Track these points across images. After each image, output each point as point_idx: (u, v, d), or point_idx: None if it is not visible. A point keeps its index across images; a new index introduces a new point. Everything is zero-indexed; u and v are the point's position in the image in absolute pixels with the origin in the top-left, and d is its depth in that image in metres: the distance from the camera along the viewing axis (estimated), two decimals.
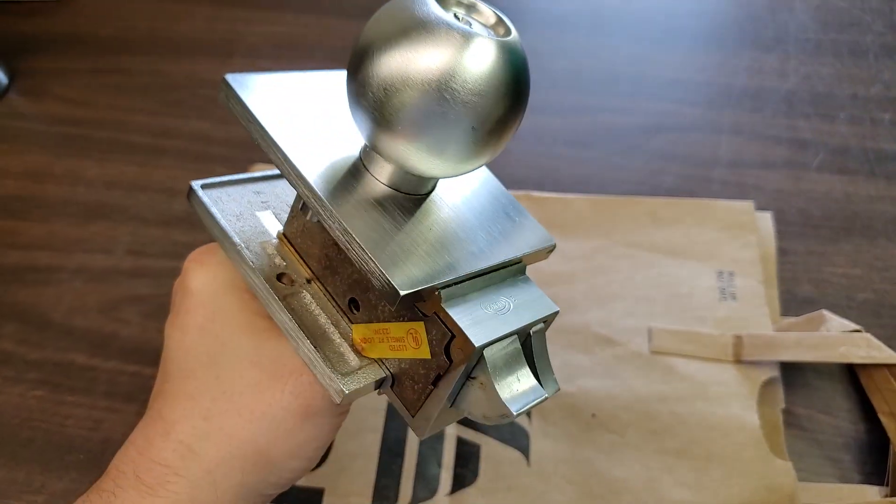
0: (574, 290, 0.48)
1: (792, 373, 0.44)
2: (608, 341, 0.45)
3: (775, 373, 0.43)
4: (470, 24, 0.24)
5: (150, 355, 0.47)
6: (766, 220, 0.50)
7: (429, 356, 0.25)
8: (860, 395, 0.44)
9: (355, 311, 0.28)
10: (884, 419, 0.42)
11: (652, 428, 0.42)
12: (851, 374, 0.45)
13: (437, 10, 0.23)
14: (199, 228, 0.53)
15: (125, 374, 0.47)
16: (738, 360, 0.44)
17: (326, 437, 0.26)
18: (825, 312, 0.45)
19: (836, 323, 0.44)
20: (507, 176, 0.56)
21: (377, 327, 0.26)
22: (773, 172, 0.54)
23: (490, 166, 0.55)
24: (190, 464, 0.23)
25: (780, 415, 0.43)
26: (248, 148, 0.56)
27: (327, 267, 0.28)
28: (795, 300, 0.48)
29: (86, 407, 0.46)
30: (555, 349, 0.45)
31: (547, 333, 0.28)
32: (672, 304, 0.47)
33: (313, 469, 0.39)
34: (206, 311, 0.26)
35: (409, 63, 0.22)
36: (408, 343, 0.25)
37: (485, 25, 0.25)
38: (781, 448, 0.41)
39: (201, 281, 0.27)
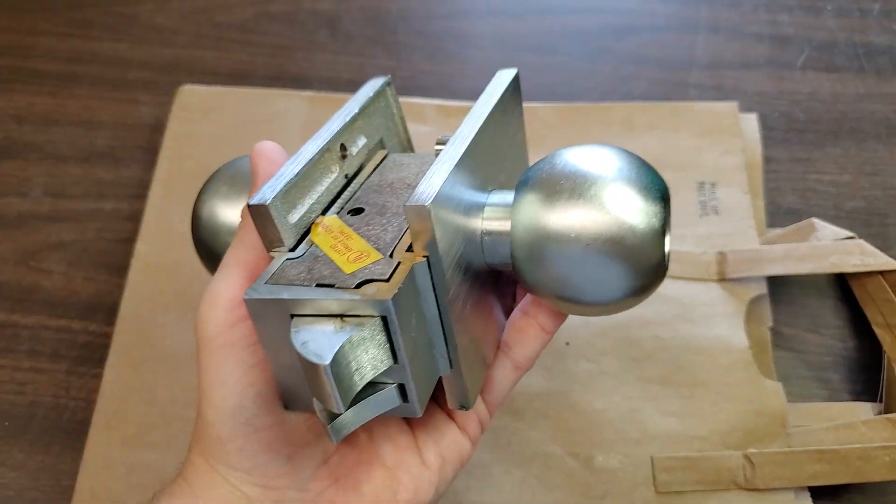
0: None
1: (777, 289, 0.41)
2: None
3: (763, 290, 0.40)
4: None
5: (76, 308, 0.43)
6: (750, 122, 0.46)
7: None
8: (849, 311, 0.41)
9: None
10: (878, 331, 0.39)
11: (632, 355, 0.39)
12: (840, 288, 0.42)
13: None
14: (125, 164, 0.47)
15: (50, 330, 0.42)
16: (723, 278, 0.40)
17: (231, 364, 0.24)
18: (815, 221, 0.41)
19: (827, 231, 0.41)
20: (467, 87, 0.51)
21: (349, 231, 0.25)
22: (754, 73, 0.49)
23: (450, 76, 0.50)
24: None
25: (767, 333, 0.40)
26: (171, 71, 0.50)
27: None
28: (780, 211, 0.44)
29: (8, 368, 0.41)
30: None
31: None
32: None
33: None
34: None
35: None
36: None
37: None
38: (770, 368, 0.39)
39: None
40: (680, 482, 0.36)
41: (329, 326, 0.22)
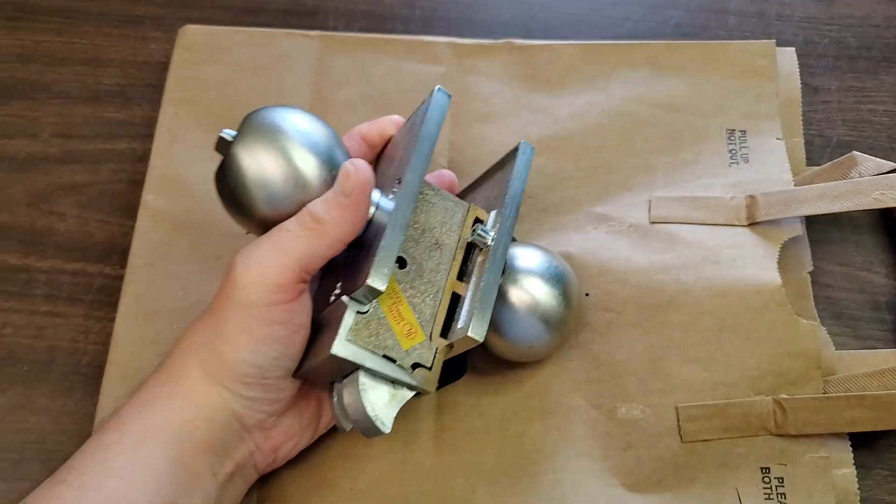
0: (565, 158, 0.41)
1: (816, 235, 0.39)
2: (602, 218, 0.39)
3: (798, 231, 0.37)
4: None
5: (92, 250, 0.42)
6: (788, 56, 0.42)
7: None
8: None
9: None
10: None
11: (654, 301, 0.36)
12: (887, 232, 0.39)
13: None
14: (135, 103, 0.46)
15: (66, 274, 0.41)
16: (754, 223, 0.37)
17: (258, 335, 0.29)
18: (856, 154, 0.38)
19: (869, 165, 0.38)
20: (490, 20, 0.48)
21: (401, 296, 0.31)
22: None
23: (471, 6, 0.47)
24: (177, 351, 0.31)
25: (807, 278, 0.37)
26: (181, 6, 0.48)
27: None
28: (829, 145, 0.41)
29: (25, 313, 0.40)
30: (542, 231, 0.39)
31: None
32: (674, 173, 0.40)
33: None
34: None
35: None
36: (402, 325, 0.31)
37: None
38: (812, 315, 0.36)
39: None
40: (706, 430, 0.34)
41: (386, 388, 0.30)
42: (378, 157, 0.36)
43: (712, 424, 0.34)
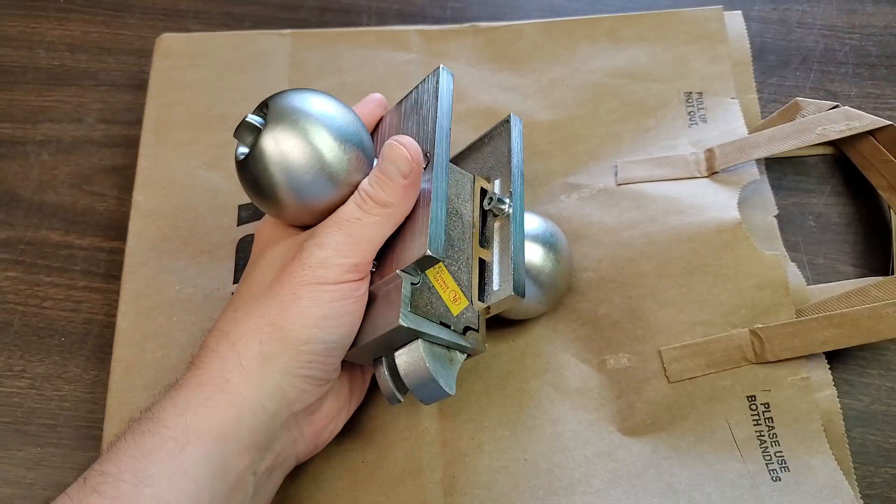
0: (536, 133, 0.43)
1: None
2: (574, 186, 0.41)
3: (756, 175, 0.39)
4: None
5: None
6: (736, 19, 0.45)
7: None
8: (854, 196, 0.41)
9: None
10: (884, 195, 0.39)
11: (626, 256, 0.38)
12: (843, 173, 0.41)
13: None
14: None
15: (104, 251, 0.43)
16: (713, 173, 0.39)
17: (331, 310, 0.29)
18: (799, 99, 0.40)
19: (811, 107, 0.40)
20: (519, 21, 0.49)
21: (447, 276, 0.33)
22: (822, 6, 0.47)
23: (501, 9, 0.48)
24: (221, 342, 0.30)
25: (774, 221, 0.39)
26: (222, 1, 0.50)
27: None
28: None
29: (64, 287, 0.42)
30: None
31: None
32: (638, 138, 0.42)
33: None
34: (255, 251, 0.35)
35: None
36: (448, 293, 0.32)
37: None
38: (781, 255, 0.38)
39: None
40: (691, 369, 0.35)
41: (444, 353, 0.31)
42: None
43: (695, 362, 0.35)
